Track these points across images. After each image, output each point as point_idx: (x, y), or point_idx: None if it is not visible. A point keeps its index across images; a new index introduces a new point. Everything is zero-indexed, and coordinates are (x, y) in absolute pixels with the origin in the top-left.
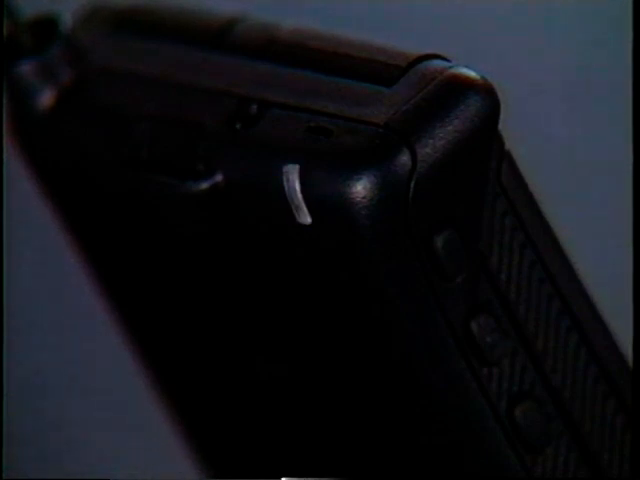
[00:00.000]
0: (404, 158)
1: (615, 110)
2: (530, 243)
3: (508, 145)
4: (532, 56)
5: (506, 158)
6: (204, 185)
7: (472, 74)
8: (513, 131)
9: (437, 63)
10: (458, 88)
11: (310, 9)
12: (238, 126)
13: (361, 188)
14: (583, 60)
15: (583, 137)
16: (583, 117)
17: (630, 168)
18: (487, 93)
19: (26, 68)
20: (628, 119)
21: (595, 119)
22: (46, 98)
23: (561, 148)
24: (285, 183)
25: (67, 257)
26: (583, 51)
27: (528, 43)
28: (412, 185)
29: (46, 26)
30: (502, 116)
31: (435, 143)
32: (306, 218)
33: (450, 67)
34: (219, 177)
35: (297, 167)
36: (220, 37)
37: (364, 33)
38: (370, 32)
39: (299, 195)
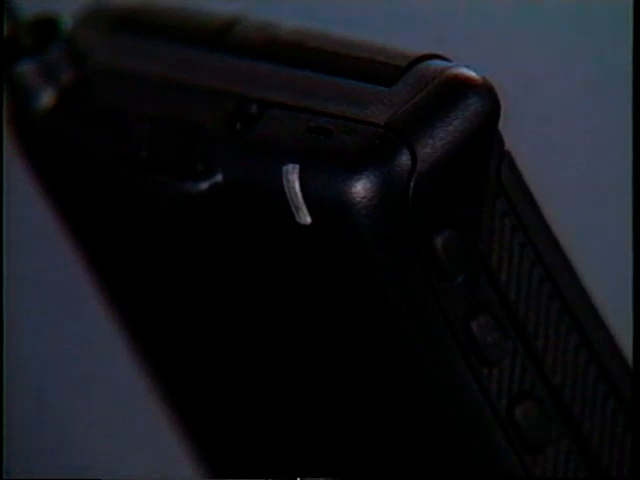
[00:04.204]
0: (404, 158)
1: (615, 109)
2: (530, 243)
3: (508, 145)
4: (532, 55)
5: (506, 158)
6: (204, 185)
7: (472, 74)
8: (513, 131)
9: (437, 63)
10: (458, 88)
11: (309, 9)
12: (238, 126)
13: (361, 188)
14: (583, 59)
15: (583, 137)
16: (583, 117)
17: (630, 168)
18: (487, 93)
19: (26, 68)
20: (628, 118)
21: (595, 118)
22: (46, 98)
23: (560, 148)
24: (285, 183)
25: (67, 257)
26: (583, 50)
27: (528, 43)
28: (412, 185)
29: (46, 26)
30: (502, 116)
31: (435, 143)
32: (306, 218)
33: (450, 67)
34: (219, 177)
35: (297, 167)
36: (220, 37)
37: (364, 33)
38: (370, 32)
39: (299, 195)
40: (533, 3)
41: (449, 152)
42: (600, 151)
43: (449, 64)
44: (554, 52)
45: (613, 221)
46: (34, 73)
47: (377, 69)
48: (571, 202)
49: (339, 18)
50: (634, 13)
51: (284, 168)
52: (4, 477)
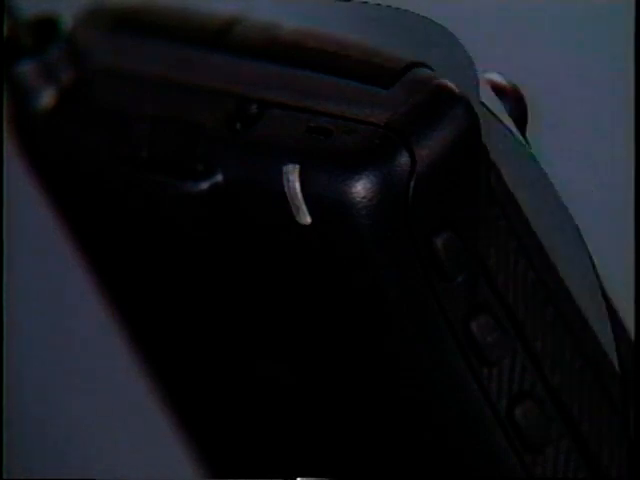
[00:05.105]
0: (404, 158)
1: (617, 109)
2: (521, 249)
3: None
4: (535, 56)
5: (493, 168)
6: (204, 185)
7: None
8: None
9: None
10: (452, 91)
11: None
12: (238, 126)
13: (361, 188)
14: (584, 60)
15: (585, 138)
16: (585, 118)
17: (631, 168)
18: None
19: (26, 68)
20: (629, 119)
21: (597, 119)
22: (46, 98)
23: (562, 149)
24: (285, 183)
25: (67, 257)
26: (584, 51)
27: (530, 43)
28: (412, 185)
29: (46, 26)
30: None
31: (434, 144)
32: (306, 218)
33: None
34: (219, 177)
35: (297, 167)
36: (220, 37)
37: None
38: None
39: (299, 195)
40: (535, 2)
41: (447, 153)
42: (602, 151)
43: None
44: (554, 53)
45: (614, 221)
46: (34, 73)
47: (377, 70)
48: (572, 202)
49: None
50: (636, 14)
51: (284, 168)
52: (4, 477)
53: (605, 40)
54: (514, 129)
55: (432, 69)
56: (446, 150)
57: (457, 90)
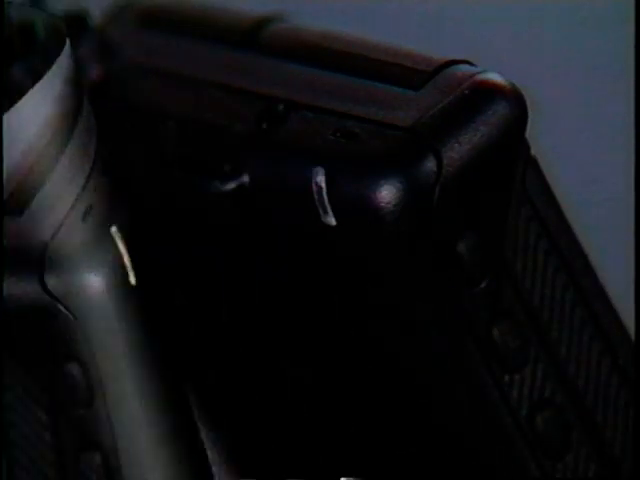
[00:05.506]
0: (430, 163)
1: (617, 109)
2: (555, 249)
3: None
4: (535, 56)
5: (531, 164)
6: (231, 185)
7: (500, 80)
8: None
9: (465, 68)
10: (485, 94)
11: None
12: (265, 127)
13: (386, 193)
14: (584, 60)
15: (585, 138)
16: (585, 117)
17: (631, 168)
18: (515, 99)
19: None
20: (629, 118)
21: (597, 119)
22: None
23: (562, 149)
24: (312, 184)
25: None
26: (584, 51)
27: (530, 43)
28: (437, 190)
29: (75, 22)
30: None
31: (461, 148)
32: (331, 220)
33: (478, 72)
34: (245, 177)
35: (324, 169)
36: (250, 37)
37: (394, 37)
38: (399, 36)
39: (324, 197)
40: (541, 4)
41: (475, 157)
42: (603, 151)
43: (477, 69)
44: (560, 54)
45: (614, 221)
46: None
47: (405, 73)
48: (574, 202)
49: (371, 20)
50: (635, 14)
51: (310, 170)
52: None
53: (605, 40)
54: None
55: (475, 65)
56: (477, 152)
57: (505, 84)
